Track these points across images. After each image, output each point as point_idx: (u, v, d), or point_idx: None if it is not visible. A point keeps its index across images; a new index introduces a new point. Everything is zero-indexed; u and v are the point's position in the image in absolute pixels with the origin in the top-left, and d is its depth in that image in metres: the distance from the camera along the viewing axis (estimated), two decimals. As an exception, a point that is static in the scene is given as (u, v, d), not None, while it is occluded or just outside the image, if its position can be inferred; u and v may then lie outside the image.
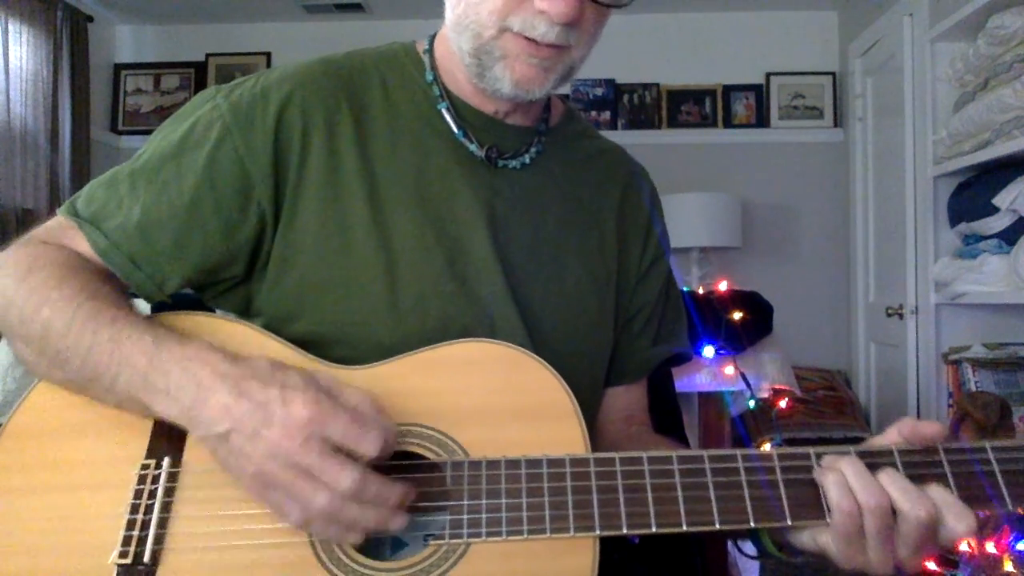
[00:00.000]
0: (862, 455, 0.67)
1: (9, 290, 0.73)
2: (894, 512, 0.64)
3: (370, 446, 0.62)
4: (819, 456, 0.69)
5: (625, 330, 0.95)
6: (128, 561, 0.65)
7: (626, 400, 0.97)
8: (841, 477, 0.65)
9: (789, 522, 0.66)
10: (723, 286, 2.10)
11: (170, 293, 0.80)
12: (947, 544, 0.65)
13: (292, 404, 0.62)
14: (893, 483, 0.65)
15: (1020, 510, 0.66)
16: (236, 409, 0.63)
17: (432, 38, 0.90)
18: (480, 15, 0.76)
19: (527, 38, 0.75)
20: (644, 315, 0.96)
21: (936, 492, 0.65)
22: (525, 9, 0.74)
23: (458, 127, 0.85)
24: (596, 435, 0.93)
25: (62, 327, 0.70)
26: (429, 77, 0.87)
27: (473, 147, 0.85)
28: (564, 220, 0.90)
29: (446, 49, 0.86)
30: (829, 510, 0.66)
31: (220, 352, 0.67)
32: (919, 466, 0.67)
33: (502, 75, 0.78)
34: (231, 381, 0.64)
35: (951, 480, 0.67)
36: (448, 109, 0.86)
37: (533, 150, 0.89)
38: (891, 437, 0.70)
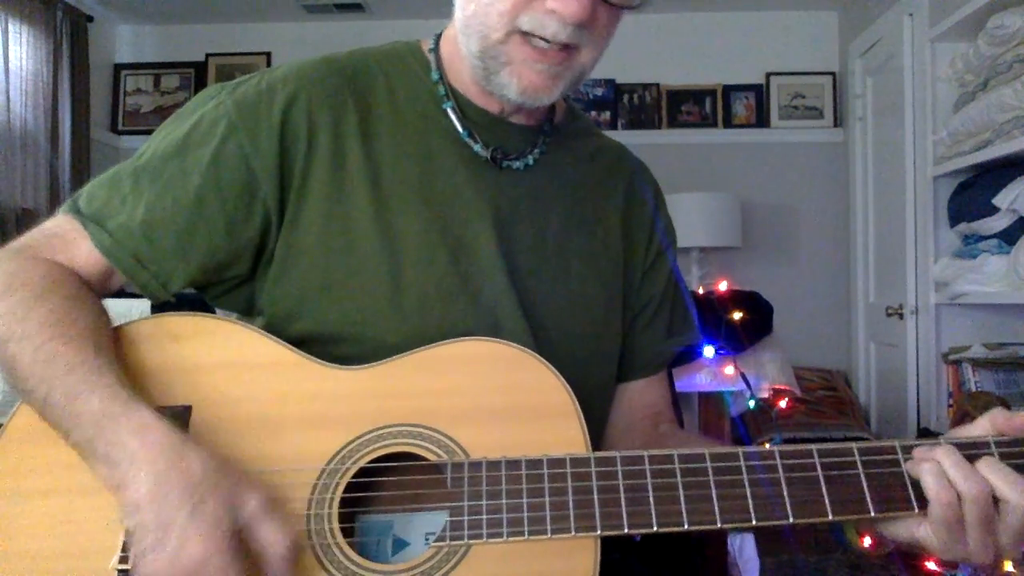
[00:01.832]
0: (957, 446, 0.67)
1: None
2: (995, 501, 0.64)
3: None
4: (823, 453, 0.68)
5: (634, 324, 0.95)
6: (128, 566, 0.65)
7: (649, 396, 0.96)
8: (938, 467, 0.65)
9: (791, 520, 0.66)
10: (723, 286, 2.11)
11: (174, 292, 0.80)
12: None
13: (189, 540, 0.59)
14: (994, 471, 0.65)
15: None
16: (143, 515, 0.60)
17: (438, 37, 0.90)
18: (490, 16, 0.76)
19: (533, 46, 0.75)
20: (653, 307, 0.96)
21: None
22: (535, 8, 0.74)
23: (463, 127, 0.85)
24: (622, 435, 0.92)
25: (23, 369, 0.68)
26: (435, 76, 0.87)
27: (478, 147, 0.85)
28: (568, 220, 0.90)
29: (452, 49, 0.85)
30: (917, 501, 0.65)
31: (163, 431, 0.64)
32: (1017, 456, 0.67)
33: (508, 81, 0.78)
34: (154, 478, 0.61)
35: None
36: (453, 109, 0.85)
37: (537, 150, 0.89)
38: (982, 427, 0.70)
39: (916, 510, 0.66)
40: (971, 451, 0.67)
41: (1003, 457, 0.67)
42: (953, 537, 0.65)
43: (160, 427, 0.64)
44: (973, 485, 0.64)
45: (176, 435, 0.64)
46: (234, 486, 0.62)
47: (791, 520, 0.66)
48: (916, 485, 0.67)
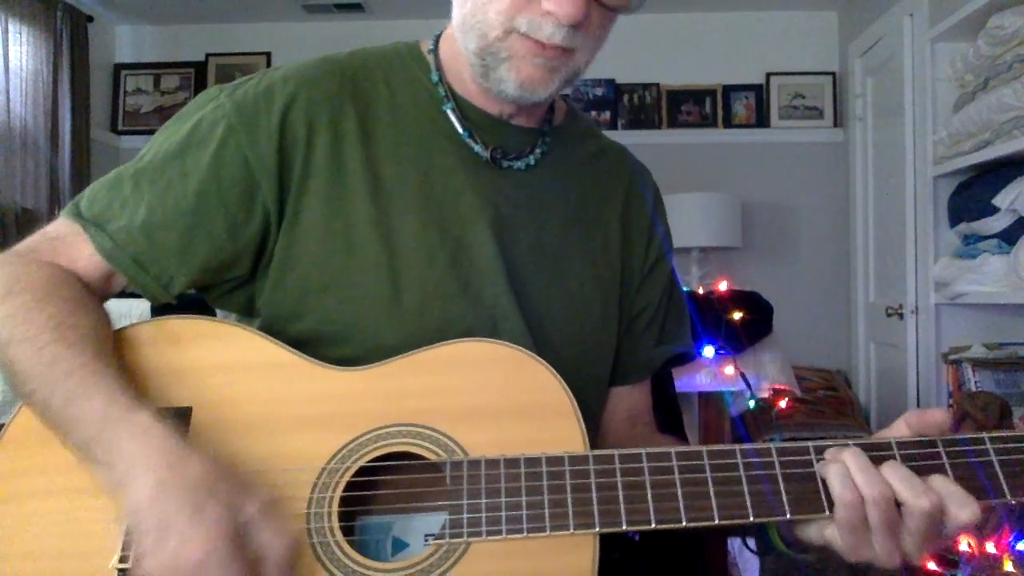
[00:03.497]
0: (864, 447, 0.68)
1: None
2: (898, 504, 0.64)
3: None
4: (819, 450, 0.69)
5: (629, 331, 0.95)
6: (128, 566, 0.65)
7: (630, 400, 0.97)
8: (844, 468, 0.66)
9: (788, 515, 0.66)
10: (723, 286, 2.11)
11: (176, 294, 0.80)
12: (952, 534, 0.65)
13: (188, 542, 0.59)
14: (895, 474, 0.65)
15: (1017, 500, 0.67)
16: (143, 515, 0.60)
17: (437, 38, 0.90)
18: (487, 15, 0.76)
19: (533, 39, 0.75)
20: (647, 316, 0.96)
21: (938, 482, 0.65)
22: (532, 10, 0.74)
23: (463, 128, 0.85)
24: (600, 436, 0.94)
25: (24, 371, 0.69)
26: (434, 77, 0.87)
27: (478, 148, 0.85)
28: (568, 221, 0.90)
29: (452, 49, 0.86)
30: (831, 503, 0.66)
31: (163, 434, 0.64)
32: (918, 458, 0.68)
33: (507, 76, 0.78)
34: (154, 480, 0.61)
35: (950, 472, 0.67)
36: (453, 110, 0.85)
37: (538, 151, 0.89)
38: (899, 430, 0.71)
39: (827, 512, 0.66)
40: (877, 453, 0.68)
41: (905, 460, 0.67)
42: (858, 539, 0.65)
43: (159, 430, 0.64)
44: (875, 487, 0.64)
45: (175, 438, 0.64)
46: (234, 489, 0.62)
47: (788, 516, 0.66)
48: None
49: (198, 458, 0.63)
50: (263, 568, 0.61)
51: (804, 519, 0.68)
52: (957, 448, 0.68)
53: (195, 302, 0.85)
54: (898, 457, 0.68)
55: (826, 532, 0.67)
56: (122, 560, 0.65)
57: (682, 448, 0.70)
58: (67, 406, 0.66)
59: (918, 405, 3.11)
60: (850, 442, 0.69)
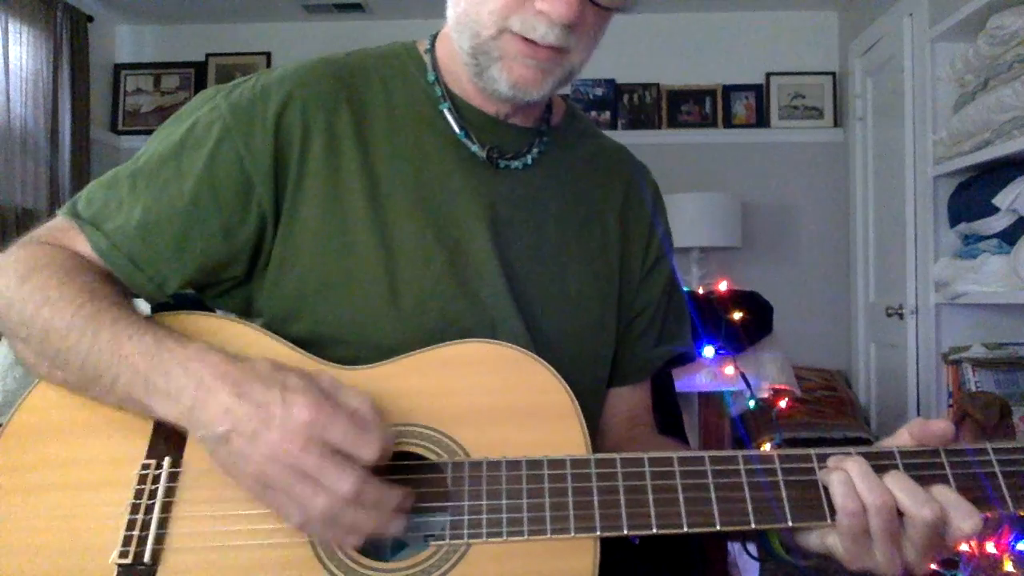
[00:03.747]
0: (867, 456, 0.67)
1: (10, 290, 0.73)
2: (900, 513, 0.64)
3: (369, 450, 0.62)
4: (821, 458, 0.69)
5: (628, 331, 0.95)
6: (128, 561, 0.65)
7: (630, 401, 0.97)
8: (846, 477, 0.65)
9: (790, 523, 0.66)
10: (723, 286, 2.11)
11: (171, 294, 0.80)
12: (953, 544, 0.65)
13: (293, 406, 0.62)
14: (897, 484, 0.65)
15: (1021, 512, 0.66)
16: (236, 410, 0.63)
17: (434, 38, 0.90)
18: (480, 15, 0.76)
19: (526, 39, 0.75)
20: (647, 316, 0.96)
21: (940, 492, 0.64)
22: (525, 10, 0.75)
23: (460, 128, 0.85)
24: (599, 436, 0.93)
25: (63, 327, 0.70)
26: (431, 77, 0.87)
27: (475, 148, 0.85)
28: (566, 221, 0.90)
29: (448, 49, 0.86)
30: (833, 511, 0.66)
31: (221, 352, 0.67)
32: (921, 468, 0.67)
33: (499, 76, 0.78)
34: (231, 382, 0.64)
35: (952, 482, 0.67)
36: (450, 109, 0.85)
37: (535, 151, 0.89)
38: (902, 439, 0.70)
39: (829, 520, 0.66)
40: (880, 461, 0.67)
41: (907, 469, 0.67)
42: (860, 548, 0.65)
43: (213, 350, 0.67)
44: (877, 496, 0.64)
45: (227, 353, 0.67)
46: (301, 372, 0.66)
47: (790, 523, 0.66)
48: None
49: (257, 359, 0.67)
50: (359, 418, 0.63)
51: (805, 527, 0.67)
52: (960, 458, 0.68)
53: (193, 302, 0.85)
54: (901, 466, 0.67)
55: (827, 540, 0.67)
56: (122, 555, 0.65)
57: (684, 453, 0.70)
58: (118, 348, 0.68)
59: (918, 405, 3.11)
60: (852, 451, 0.68)
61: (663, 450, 0.70)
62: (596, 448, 0.71)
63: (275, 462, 0.61)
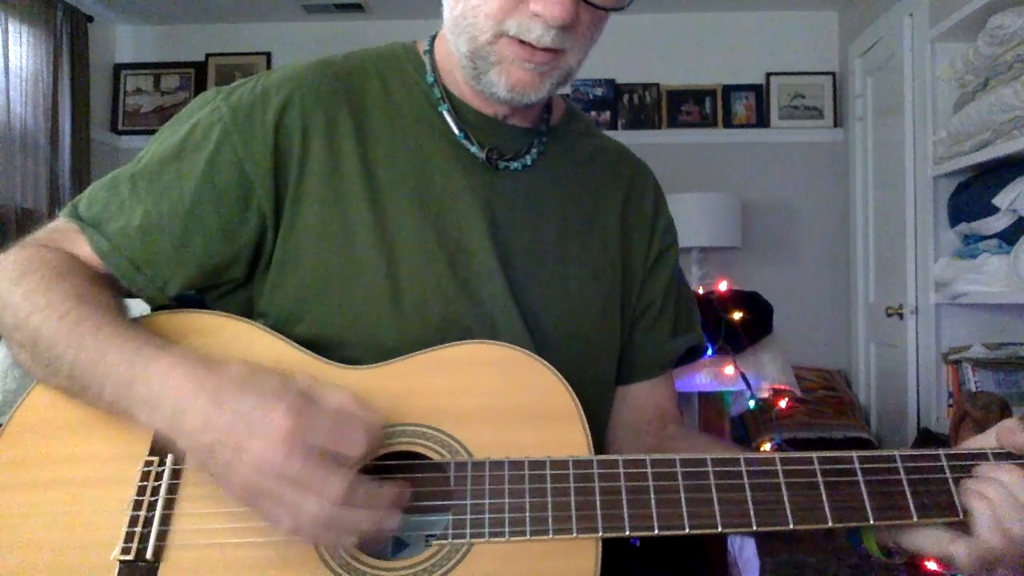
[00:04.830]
0: (861, 458, 0.68)
1: (4, 293, 0.73)
2: None
3: (355, 447, 0.62)
4: (821, 460, 0.69)
5: (638, 325, 0.95)
6: (131, 557, 0.66)
7: (655, 397, 0.96)
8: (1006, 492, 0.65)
9: (791, 525, 0.66)
10: (723, 286, 2.11)
11: (172, 296, 0.80)
12: None
13: (272, 413, 0.61)
14: None
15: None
16: (217, 420, 0.62)
17: (433, 38, 0.90)
18: (477, 18, 0.76)
19: (522, 43, 0.75)
20: (656, 307, 0.95)
21: None
22: (521, 12, 0.75)
23: (459, 129, 0.85)
24: (631, 438, 0.92)
25: (50, 336, 0.70)
26: (430, 78, 0.87)
27: (474, 149, 0.85)
28: (566, 221, 0.90)
29: (446, 50, 0.86)
30: (969, 526, 0.65)
31: (198, 359, 0.67)
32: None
33: (497, 80, 0.78)
34: (208, 391, 0.63)
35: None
36: (449, 111, 0.86)
37: (534, 151, 0.89)
38: (987, 442, 0.70)
39: (960, 516, 0.66)
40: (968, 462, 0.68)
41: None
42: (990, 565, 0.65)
43: (189, 356, 0.67)
44: None
45: (205, 359, 0.67)
46: (277, 374, 0.65)
47: (791, 526, 0.66)
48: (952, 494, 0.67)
49: (233, 363, 0.66)
50: (342, 415, 0.63)
51: (805, 529, 0.67)
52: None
53: (193, 303, 0.85)
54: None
55: (951, 547, 0.66)
56: (124, 551, 0.66)
57: (686, 455, 0.70)
58: (100, 357, 0.68)
59: (918, 405, 3.11)
60: (853, 454, 0.68)
61: (722, 451, 0.70)
62: (603, 448, 0.71)
63: (261, 472, 0.60)
